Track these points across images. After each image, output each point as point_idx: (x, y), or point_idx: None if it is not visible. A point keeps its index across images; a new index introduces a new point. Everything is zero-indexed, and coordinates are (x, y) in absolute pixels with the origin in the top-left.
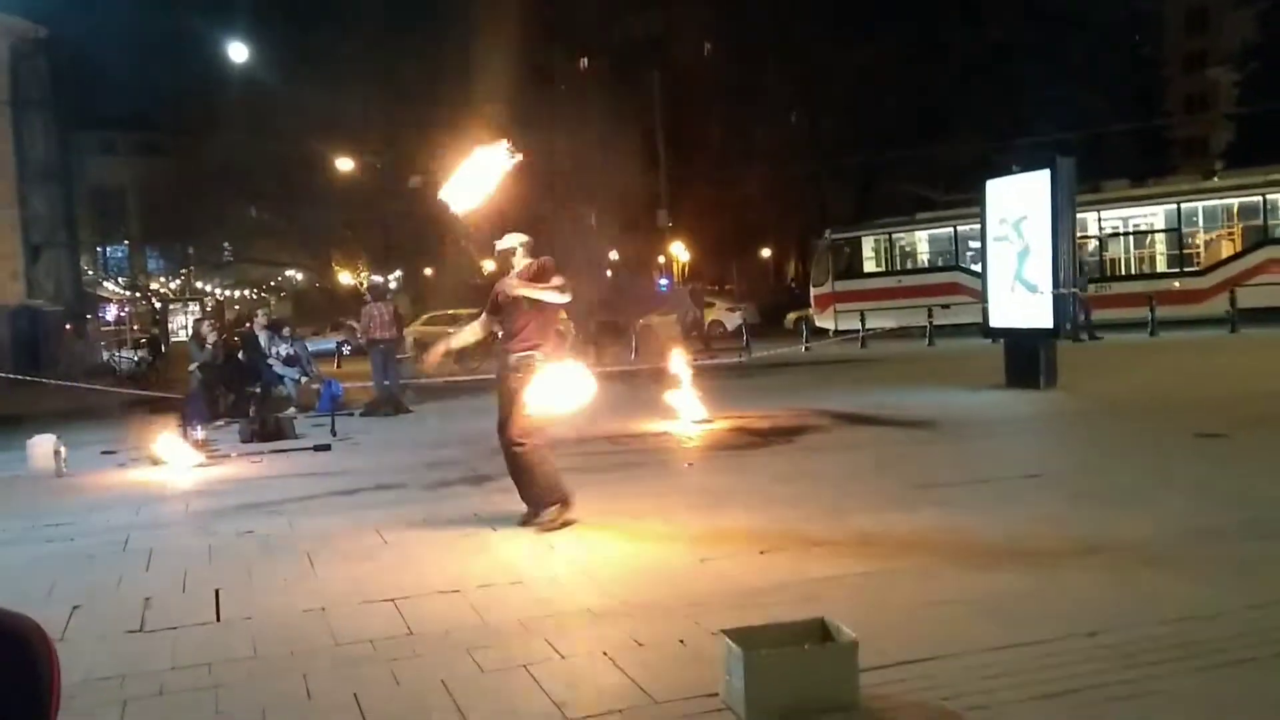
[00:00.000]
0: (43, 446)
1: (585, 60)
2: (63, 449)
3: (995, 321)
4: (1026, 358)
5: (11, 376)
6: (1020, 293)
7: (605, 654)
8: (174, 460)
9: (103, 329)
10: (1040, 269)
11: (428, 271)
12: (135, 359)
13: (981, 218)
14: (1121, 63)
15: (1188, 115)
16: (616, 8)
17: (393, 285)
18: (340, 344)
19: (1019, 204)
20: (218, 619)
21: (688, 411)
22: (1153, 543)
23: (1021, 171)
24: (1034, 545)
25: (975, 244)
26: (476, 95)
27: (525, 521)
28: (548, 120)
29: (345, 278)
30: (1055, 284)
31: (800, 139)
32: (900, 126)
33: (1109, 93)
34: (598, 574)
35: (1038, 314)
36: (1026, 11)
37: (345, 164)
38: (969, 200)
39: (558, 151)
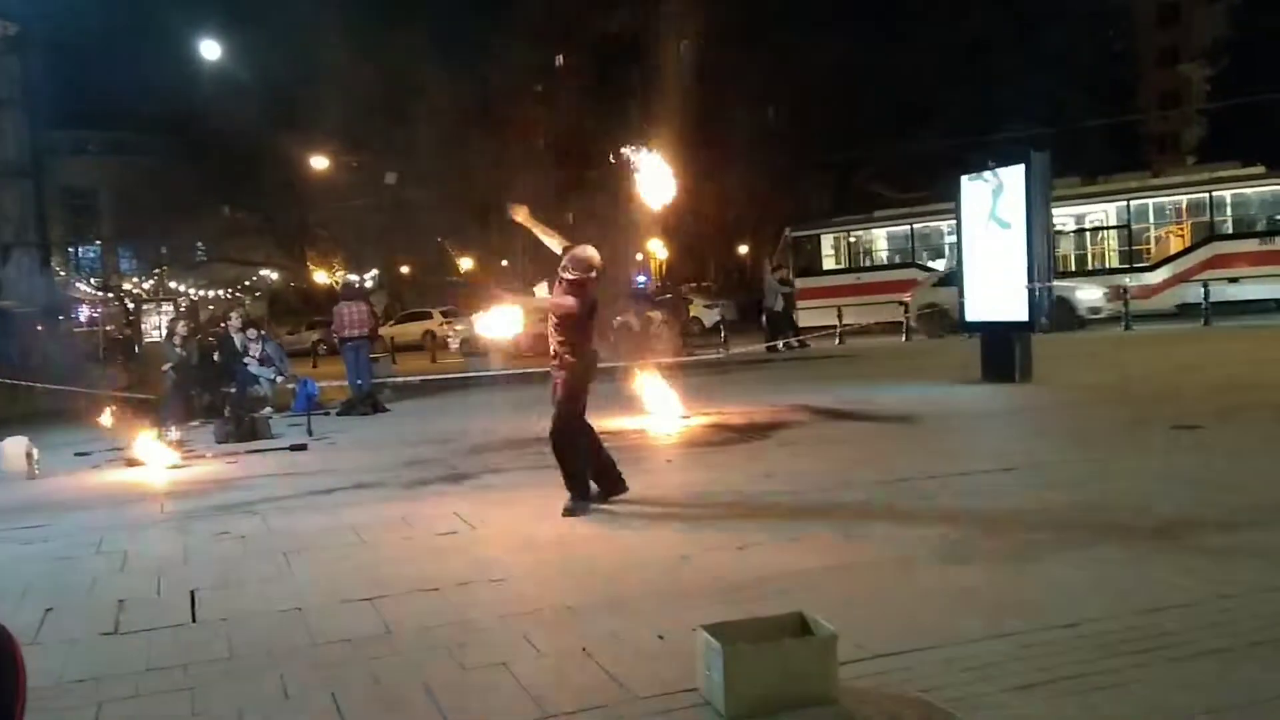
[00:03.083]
0: (15, 448)
1: (561, 57)
2: (35, 451)
3: (971, 316)
4: (1002, 352)
5: None
6: (994, 230)
7: (585, 650)
8: (149, 461)
9: (75, 329)
10: (1014, 211)
11: (404, 269)
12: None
13: (957, 213)
14: (1096, 57)
15: (1161, 110)
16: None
17: (369, 284)
18: (316, 343)
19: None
20: (193, 620)
21: (667, 408)
22: (1129, 534)
23: (997, 167)
24: (1012, 538)
25: (932, 241)
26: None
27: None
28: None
29: (321, 277)
30: (1030, 278)
31: (778, 135)
32: (878, 122)
33: (1083, 87)
34: (577, 571)
35: (1013, 308)
36: (1001, 4)
37: (320, 162)
38: (925, 199)
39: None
